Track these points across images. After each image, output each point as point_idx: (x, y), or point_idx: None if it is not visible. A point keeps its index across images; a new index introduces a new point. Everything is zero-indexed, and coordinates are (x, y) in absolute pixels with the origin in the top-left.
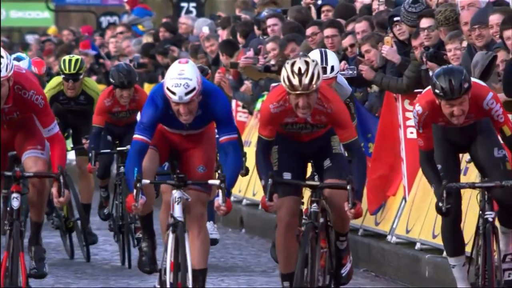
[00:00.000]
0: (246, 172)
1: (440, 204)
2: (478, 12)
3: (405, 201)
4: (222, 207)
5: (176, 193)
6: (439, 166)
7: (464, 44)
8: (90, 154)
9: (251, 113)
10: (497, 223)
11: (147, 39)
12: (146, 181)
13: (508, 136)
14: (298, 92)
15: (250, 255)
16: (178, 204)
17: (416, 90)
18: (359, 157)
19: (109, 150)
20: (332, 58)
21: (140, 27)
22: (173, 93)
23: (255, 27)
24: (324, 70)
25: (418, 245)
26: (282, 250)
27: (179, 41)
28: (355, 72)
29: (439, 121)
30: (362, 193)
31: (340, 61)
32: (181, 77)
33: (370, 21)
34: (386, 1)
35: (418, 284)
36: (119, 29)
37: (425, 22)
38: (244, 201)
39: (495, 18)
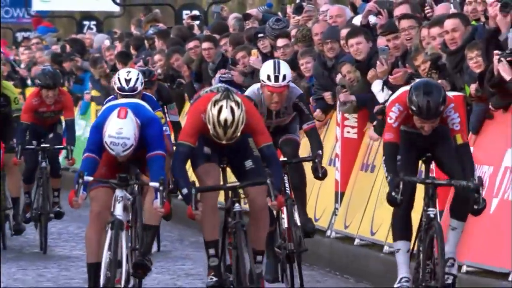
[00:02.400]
0: None
1: (394, 194)
2: (329, 28)
3: None
4: (160, 209)
5: (118, 192)
6: (399, 163)
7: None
8: (16, 149)
9: None
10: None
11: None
12: (89, 178)
13: (458, 144)
14: (223, 142)
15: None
16: (119, 203)
17: None
18: (275, 161)
19: (33, 146)
20: (284, 68)
21: (44, 42)
22: (112, 149)
23: (145, 42)
24: (277, 78)
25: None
26: (207, 220)
27: (82, 52)
28: (231, 76)
29: (410, 123)
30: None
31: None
32: (119, 136)
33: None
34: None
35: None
36: (34, 40)
37: (280, 42)
38: None
39: (344, 32)
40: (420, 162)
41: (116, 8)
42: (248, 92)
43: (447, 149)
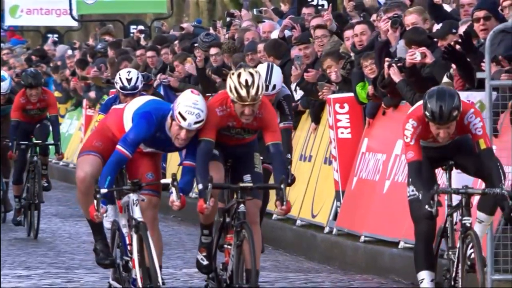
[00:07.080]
0: None
1: (428, 207)
2: (250, 43)
3: None
4: (176, 202)
5: (133, 196)
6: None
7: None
8: (11, 144)
9: (94, 106)
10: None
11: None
12: (104, 190)
13: (482, 149)
14: (246, 103)
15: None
16: (136, 206)
17: (207, 94)
18: (280, 159)
19: (26, 142)
20: (276, 77)
21: (14, 52)
22: (184, 118)
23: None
24: (267, 87)
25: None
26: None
27: (47, 60)
28: (168, 80)
29: (428, 137)
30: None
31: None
32: (195, 107)
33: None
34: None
35: None
36: (5, 51)
37: (213, 50)
38: None
39: (260, 46)
40: (441, 170)
41: (75, 23)
42: None
43: (470, 156)
